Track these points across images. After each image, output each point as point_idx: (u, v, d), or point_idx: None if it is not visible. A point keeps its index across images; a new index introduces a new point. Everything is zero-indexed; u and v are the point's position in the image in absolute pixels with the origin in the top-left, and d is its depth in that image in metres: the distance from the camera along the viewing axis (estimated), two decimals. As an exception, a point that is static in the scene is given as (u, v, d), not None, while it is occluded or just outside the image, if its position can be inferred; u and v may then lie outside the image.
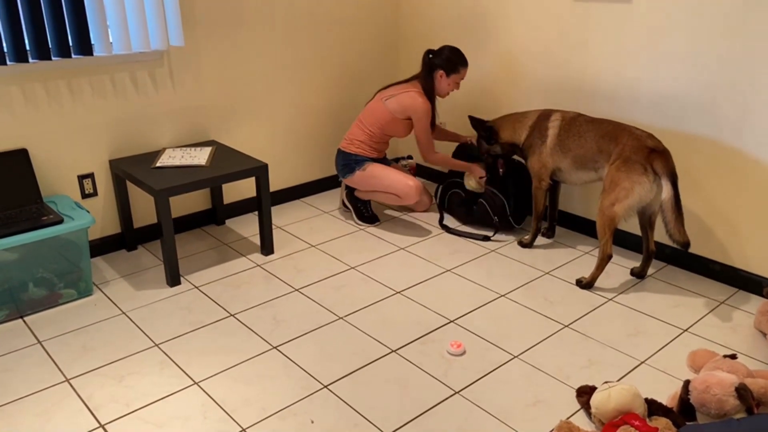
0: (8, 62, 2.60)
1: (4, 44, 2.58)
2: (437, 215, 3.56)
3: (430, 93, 3.28)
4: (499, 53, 3.48)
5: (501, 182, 3.31)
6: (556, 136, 2.90)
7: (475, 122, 3.17)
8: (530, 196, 3.21)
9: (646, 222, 2.82)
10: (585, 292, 2.80)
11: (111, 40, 2.84)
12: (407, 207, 3.66)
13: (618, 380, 2.20)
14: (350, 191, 3.54)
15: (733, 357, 2.14)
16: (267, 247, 3.13)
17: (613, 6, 2.92)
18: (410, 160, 4.00)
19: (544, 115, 2.97)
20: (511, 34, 3.39)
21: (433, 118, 3.35)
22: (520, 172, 3.36)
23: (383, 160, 3.53)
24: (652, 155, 2.57)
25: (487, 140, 3.17)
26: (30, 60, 2.65)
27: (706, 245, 2.89)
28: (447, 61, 3.22)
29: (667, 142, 2.84)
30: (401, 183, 3.29)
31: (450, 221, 3.52)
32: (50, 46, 2.68)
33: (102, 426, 2.00)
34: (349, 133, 3.42)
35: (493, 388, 2.18)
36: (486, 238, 3.29)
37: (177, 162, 2.96)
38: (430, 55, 3.26)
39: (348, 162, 3.39)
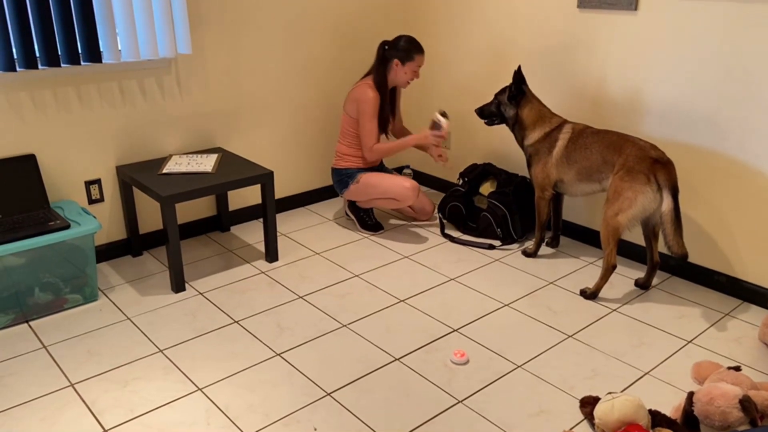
0: (18, 69, 2.62)
1: (14, 51, 2.60)
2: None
3: (383, 85, 3.29)
4: (503, 61, 3.49)
5: (503, 195, 3.31)
6: (564, 148, 2.91)
7: (518, 77, 3.00)
8: (532, 210, 3.22)
9: (650, 233, 2.82)
10: (589, 302, 2.80)
11: (120, 48, 2.87)
12: (411, 216, 3.67)
13: (622, 391, 2.20)
14: (351, 202, 3.55)
15: (737, 369, 2.14)
16: (271, 254, 3.14)
17: (618, 16, 2.93)
18: (407, 170, 4.03)
19: (559, 126, 2.96)
20: (516, 43, 3.41)
21: (388, 112, 3.34)
22: (522, 186, 3.37)
23: (380, 168, 3.54)
24: (656, 165, 2.58)
25: (510, 98, 3.05)
26: (39, 67, 2.67)
27: (710, 257, 2.89)
28: (402, 50, 3.24)
29: (672, 153, 2.84)
30: (397, 186, 3.31)
31: (453, 231, 3.52)
32: (59, 53, 2.70)
33: (106, 431, 2.01)
34: (336, 149, 3.47)
35: (496, 398, 2.18)
36: (491, 247, 3.30)
37: (183, 169, 2.97)
38: (386, 47, 3.28)
39: (341, 178, 3.44)
